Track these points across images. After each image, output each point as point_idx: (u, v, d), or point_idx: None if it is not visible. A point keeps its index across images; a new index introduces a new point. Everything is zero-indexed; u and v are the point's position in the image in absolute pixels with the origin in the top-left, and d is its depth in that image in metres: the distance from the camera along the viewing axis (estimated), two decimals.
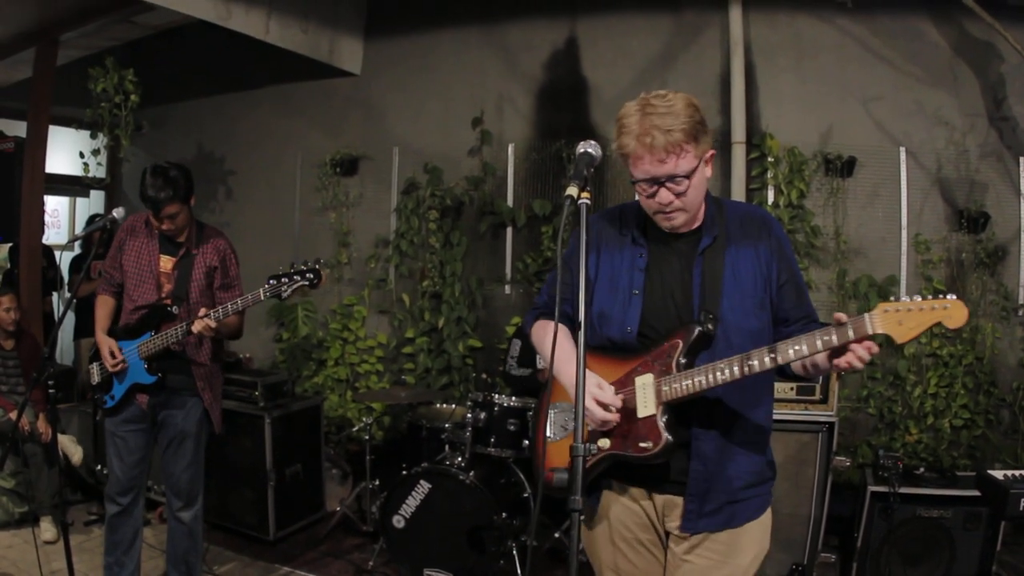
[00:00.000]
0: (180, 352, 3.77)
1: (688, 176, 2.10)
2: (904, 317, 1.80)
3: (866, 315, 1.84)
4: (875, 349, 1.92)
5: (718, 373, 2.06)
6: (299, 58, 6.36)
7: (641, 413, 2.15)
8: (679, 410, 2.15)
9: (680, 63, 5.75)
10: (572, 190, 1.97)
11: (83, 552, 4.69)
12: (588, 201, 1.98)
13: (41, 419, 4.96)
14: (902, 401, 5.24)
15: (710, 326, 2.12)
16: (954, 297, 1.78)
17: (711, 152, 2.18)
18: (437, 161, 6.40)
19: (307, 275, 3.49)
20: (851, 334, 1.91)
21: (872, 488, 4.14)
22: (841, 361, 1.97)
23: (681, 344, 2.13)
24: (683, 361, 2.12)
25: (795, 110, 5.48)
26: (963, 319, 1.77)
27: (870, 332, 1.84)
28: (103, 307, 3.94)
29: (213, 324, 3.54)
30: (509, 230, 6.28)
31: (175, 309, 3.73)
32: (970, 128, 5.14)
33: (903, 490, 4.09)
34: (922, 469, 4.30)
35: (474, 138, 6.33)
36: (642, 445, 2.12)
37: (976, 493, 3.96)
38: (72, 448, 5.33)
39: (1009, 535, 4.36)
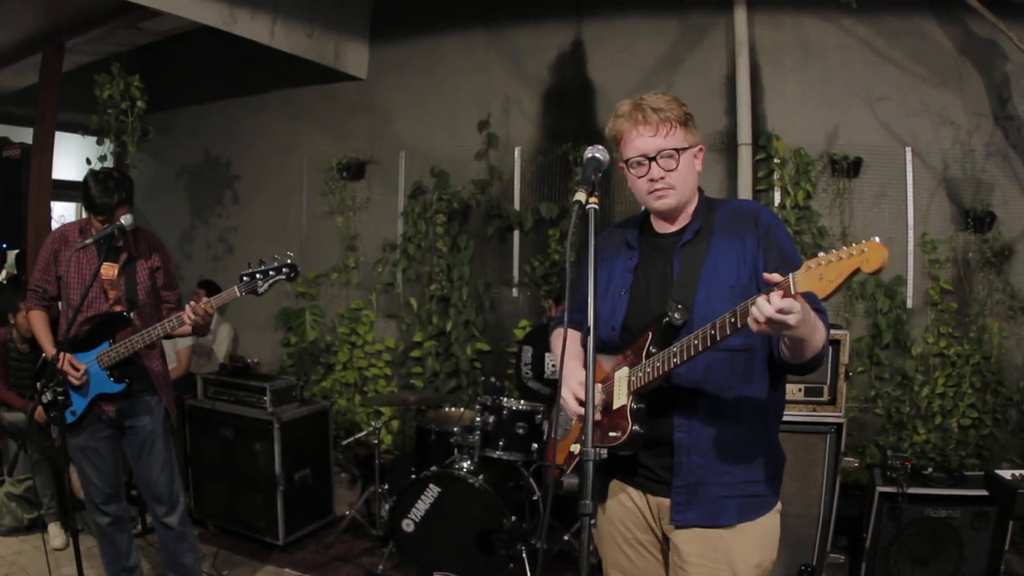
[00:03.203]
0: (135, 356, 3.70)
1: (678, 151, 2.15)
2: (824, 271, 1.73)
3: (791, 275, 1.77)
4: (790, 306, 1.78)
5: (683, 351, 2.03)
6: (305, 62, 6.37)
7: (615, 404, 2.18)
8: (660, 404, 2.17)
9: (686, 65, 5.76)
10: (580, 195, 1.99)
11: (92, 558, 4.68)
12: (596, 206, 1.99)
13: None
14: (910, 401, 5.25)
15: (676, 315, 2.13)
16: (876, 240, 1.68)
17: (701, 147, 2.24)
18: (444, 165, 6.42)
19: (282, 270, 3.47)
20: (776, 295, 1.80)
21: (880, 488, 4.15)
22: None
23: (651, 335, 2.15)
24: (652, 350, 2.13)
25: (801, 111, 5.48)
26: (880, 260, 1.67)
27: (792, 292, 1.78)
28: (41, 322, 3.82)
29: (211, 310, 3.50)
30: (516, 233, 6.29)
31: (132, 315, 3.71)
32: (975, 127, 5.14)
33: (911, 490, 4.10)
34: (930, 469, 4.30)
35: (480, 141, 6.35)
36: (611, 435, 2.14)
37: (984, 493, 3.97)
38: None
39: (1017, 534, 4.36)
